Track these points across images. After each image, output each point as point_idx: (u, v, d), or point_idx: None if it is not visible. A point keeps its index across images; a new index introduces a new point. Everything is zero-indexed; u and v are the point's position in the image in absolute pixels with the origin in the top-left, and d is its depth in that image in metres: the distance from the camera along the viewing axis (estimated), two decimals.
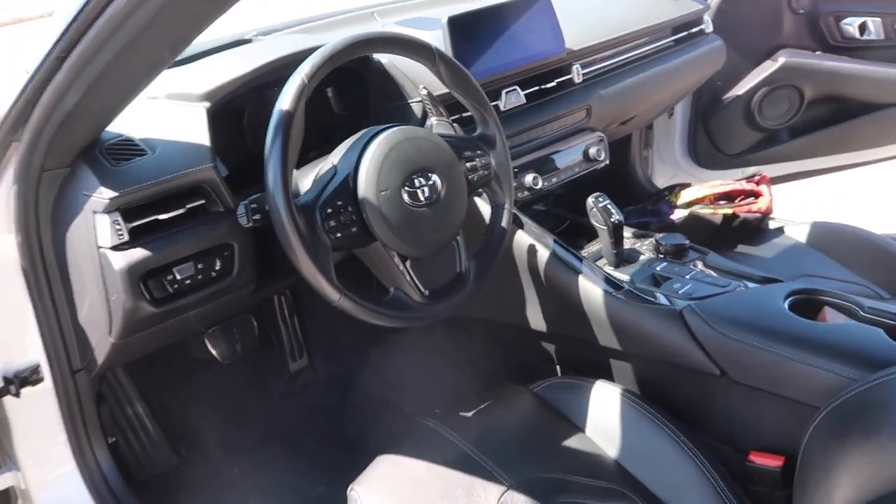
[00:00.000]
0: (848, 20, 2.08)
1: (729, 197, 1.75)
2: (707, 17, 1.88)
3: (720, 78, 2.06)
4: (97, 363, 1.18)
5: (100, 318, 1.09)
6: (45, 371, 1.19)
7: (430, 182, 1.09)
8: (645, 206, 1.81)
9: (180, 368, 1.65)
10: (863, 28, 2.08)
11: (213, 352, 1.60)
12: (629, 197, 2.04)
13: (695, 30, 1.85)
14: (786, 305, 1.15)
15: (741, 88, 2.16)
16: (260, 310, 1.71)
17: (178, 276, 1.09)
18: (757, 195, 1.74)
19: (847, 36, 2.09)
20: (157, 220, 1.06)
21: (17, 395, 1.18)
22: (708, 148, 2.29)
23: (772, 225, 1.75)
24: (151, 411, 1.55)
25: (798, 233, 1.69)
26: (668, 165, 2.34)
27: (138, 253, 1.04)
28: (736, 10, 2.07)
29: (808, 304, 1.18)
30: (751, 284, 1.29)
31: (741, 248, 1.68)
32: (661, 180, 2.30)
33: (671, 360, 1.19)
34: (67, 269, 1.11)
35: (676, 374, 1.21)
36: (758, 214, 1.70)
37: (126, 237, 1.03)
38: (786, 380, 1.07)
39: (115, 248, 1.03)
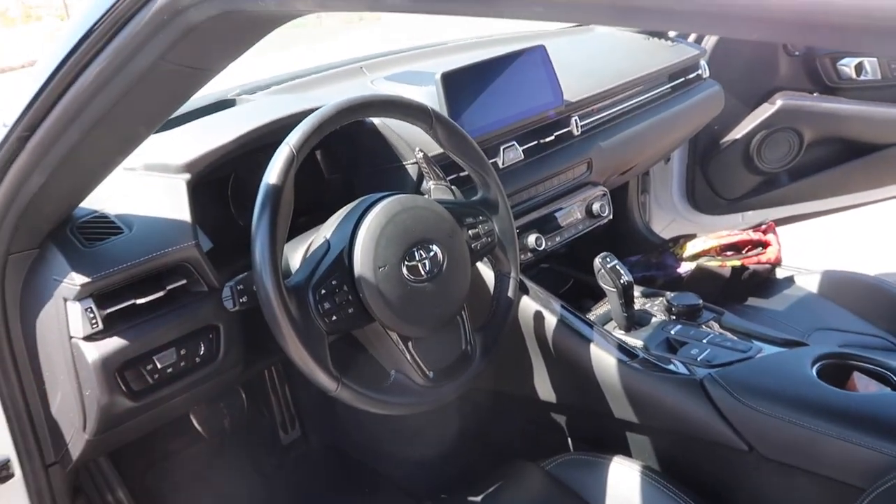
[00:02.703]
0: (844, 61, 2.05)
1: (736, 248, 1.69)
2: (703, 63, 1.84)
3: (717, 122, 2.02)
4: (72, 458, 1.07)
5: (73, 412, 0.99)
6: (15, 466, 1.09)
7: (431, 254, 1.01)
8: (649, 258, 1.74)
9: (164, 447, 1.54)
10: (859, 69, 2.05)
11: (199, 429, 1.49)
12: (629, 246, 1.97)
13: (692, 75, 1.81)
14: (814, 372, 1.09)
15: (739, 132, 2.11)
16: (248, 380, 1.61)
17: (159, 365, 0.99)
18: (765, 245, 1.68)
19: (844, 77, 2.06)
20: (134, 304, 0.97)
21: None
22: (706, 193, 2.23)
23: (781, 275, 1.69)
24: (134, 497, 1.44)
25: (808, 283, 1.64)
26: (665, 211, 2.28)
27: (114, 343, 0.95)
28: (731, 53, 2.03)
29: (836, 370, 1.12)
30: (771, 347, 1.22)
31: (752, 301, 1.62)
32: (659, 226, 2.24)
33: (693, 434, 1.11)
34: (38, 358, 1.01)
35: (700, 450, 1.14)
36: (767, 265, 1.64)
37: (100, 326, 0.93)
38: (821, 457, 1.00)
39: (88, 338, 0.93)
